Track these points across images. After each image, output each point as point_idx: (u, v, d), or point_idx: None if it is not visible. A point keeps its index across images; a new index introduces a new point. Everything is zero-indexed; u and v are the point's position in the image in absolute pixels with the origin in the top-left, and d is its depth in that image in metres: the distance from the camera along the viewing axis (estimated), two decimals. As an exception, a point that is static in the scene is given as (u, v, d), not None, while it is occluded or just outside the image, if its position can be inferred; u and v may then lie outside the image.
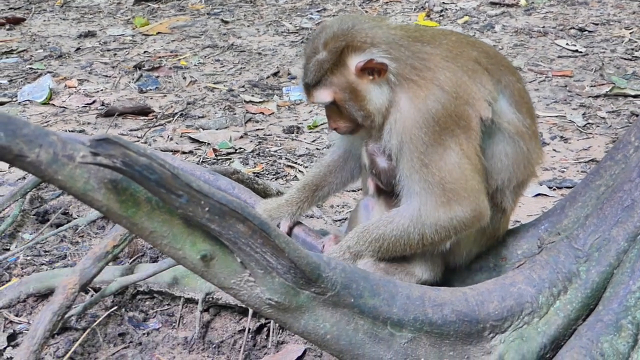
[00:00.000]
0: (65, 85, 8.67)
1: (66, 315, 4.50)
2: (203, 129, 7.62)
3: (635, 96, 7.75)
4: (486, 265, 4.46)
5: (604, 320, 3.89)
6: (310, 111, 7.93)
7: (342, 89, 4.17)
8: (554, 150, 7.01)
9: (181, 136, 7.53)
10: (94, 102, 8.32)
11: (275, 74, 8.77)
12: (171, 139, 7.48)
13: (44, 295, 5.02)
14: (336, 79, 4.16)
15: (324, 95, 4.20)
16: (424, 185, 4.08)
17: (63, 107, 8.19)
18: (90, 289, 4.95)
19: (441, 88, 4.04)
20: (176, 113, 7.97)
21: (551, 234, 4.32)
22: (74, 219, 6.02)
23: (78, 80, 8.80)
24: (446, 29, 4.98)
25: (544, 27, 9.35)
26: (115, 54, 9.54)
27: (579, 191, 4.39)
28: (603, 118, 7.48)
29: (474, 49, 4.21)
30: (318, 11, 10.53)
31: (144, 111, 8.00)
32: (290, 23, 10.20)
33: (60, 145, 3.10)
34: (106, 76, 8.92)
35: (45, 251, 5.66)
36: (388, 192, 4.29)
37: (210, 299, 4.83)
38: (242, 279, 3.49)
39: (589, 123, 7.37)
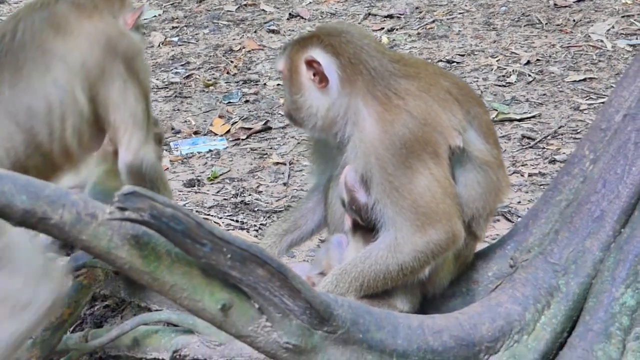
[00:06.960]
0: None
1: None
2: (101, 190, 7.42)
3: (520, 120, 7.98)
4: (459, 291, 4.49)
5: (594, 329, 3.98)
6: (205, 163, 7.84)
7: (291, 67, 4.33)
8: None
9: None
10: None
11: (158, 130, 8.64)
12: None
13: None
14: (293, 56, 4.33)
15: (281, 62, 4.41)
16: (397, 209, 4.10)
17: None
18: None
19: (410, 114, 4.09)
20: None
21: (521, 253, 4.38)
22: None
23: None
24: (425, 60, 5.06)
25: (413, 62, 9.52)
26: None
27: (540, 208, 4.48)
28: (497, 143, 7.67)
29: (446, 79, 4.29)
30: (182, 65, 10.44)
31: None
32: (157, 79, 10.07)
33: (82, 204, 2.99)
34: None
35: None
36: (365, 228, 4.27)
37: (177, 357, 4.68)
38: (259, 325, 3.43)
39: (484, 149, 7.53)
